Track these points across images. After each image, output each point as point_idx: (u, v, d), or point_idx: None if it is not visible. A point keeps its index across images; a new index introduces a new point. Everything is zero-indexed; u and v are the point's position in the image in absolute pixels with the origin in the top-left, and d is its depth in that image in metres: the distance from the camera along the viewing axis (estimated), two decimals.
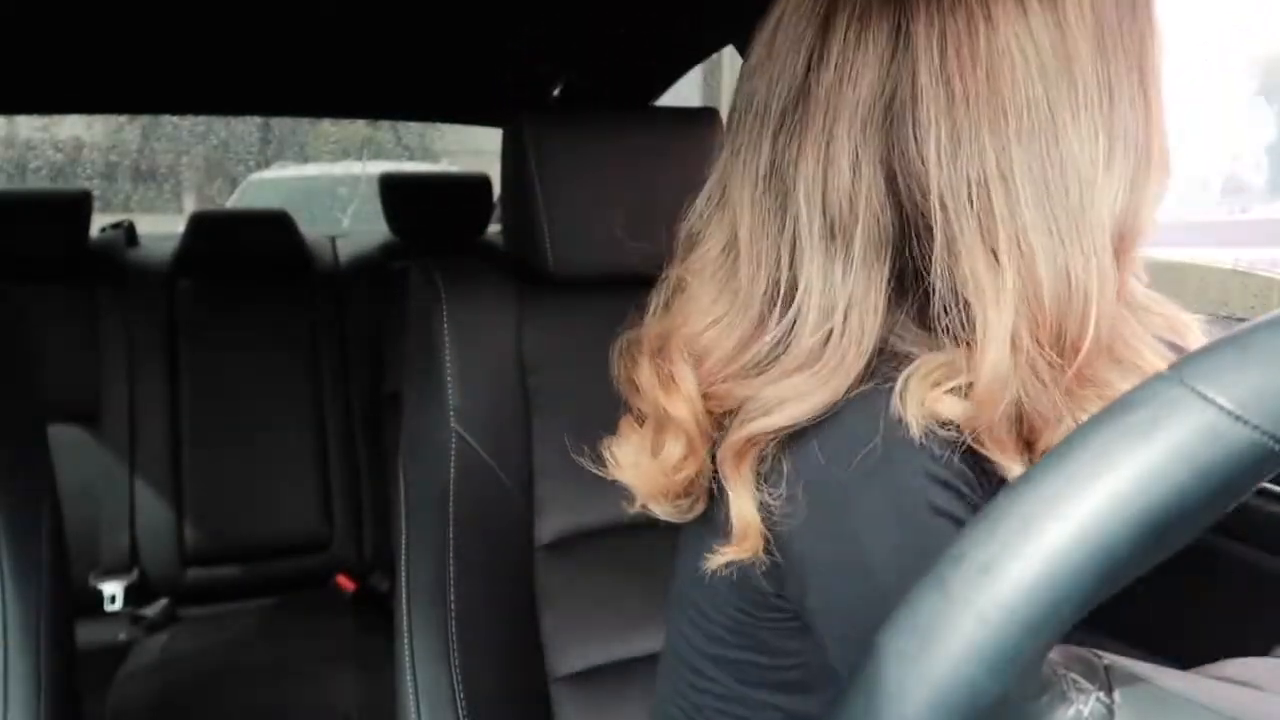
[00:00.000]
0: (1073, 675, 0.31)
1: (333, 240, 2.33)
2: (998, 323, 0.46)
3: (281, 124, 4.76)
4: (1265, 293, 1.25)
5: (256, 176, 4.47)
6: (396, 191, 2.27)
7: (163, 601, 1.90)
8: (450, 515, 0.89)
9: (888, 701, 0.29)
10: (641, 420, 0.60)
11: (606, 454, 0.63)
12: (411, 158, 4.96)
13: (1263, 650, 0.51)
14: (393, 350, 2.01)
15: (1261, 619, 0.82)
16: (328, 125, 4.75)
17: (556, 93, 1.66)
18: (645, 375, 0.58)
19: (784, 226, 0.51)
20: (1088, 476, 0.28)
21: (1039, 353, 0.46)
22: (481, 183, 2.26)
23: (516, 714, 0.90)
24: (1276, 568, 0.81)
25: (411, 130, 4.69)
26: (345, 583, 2.01)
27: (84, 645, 1.09)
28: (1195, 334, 0.51)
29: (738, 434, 0.51)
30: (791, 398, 0.49)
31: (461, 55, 1.60)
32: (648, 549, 0.99)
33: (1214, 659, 0.42)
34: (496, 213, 2.29)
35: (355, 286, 2.18)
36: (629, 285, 0.98)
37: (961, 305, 0.48)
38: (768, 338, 0.52)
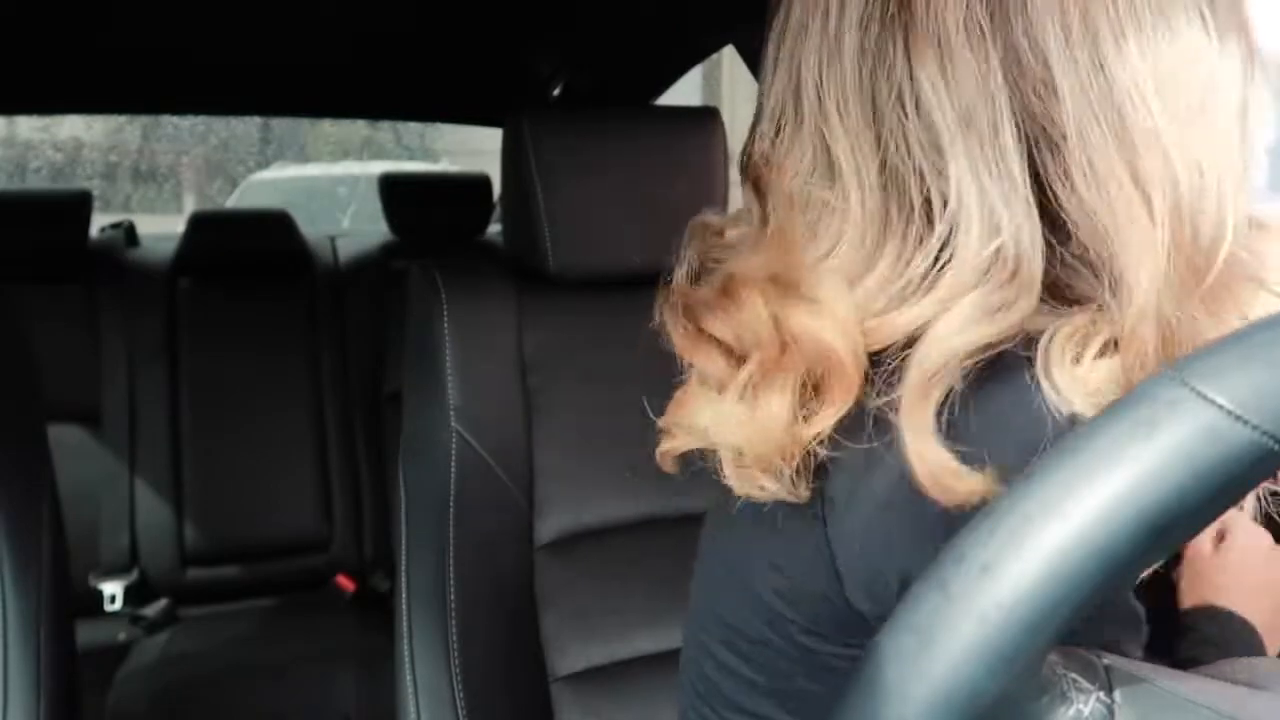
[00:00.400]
0: (1073, 675, 0.31)
1: (333, 240, 2.33)
2: (1151, 235, 0.42)
3: (281, 124, 4.76)
4: None
5: (256, 177, 4.47)
6: (396, 191, 2.27)
7: (163, 601, 1.90)
8: (450, 515, 0.89)
9: (887, 701, 0.29)
10: (716, 380, 0.50)
11: (672, 426, 0.53)
12: (411, 158, 4.96)
13: None
14: (393, 350, 2.01)
15: None
16: (328, 125, 4.76)
17: (556, 93, 1.66)
18: (757, 311, 0.47)
19: (906, 127, 0.44)
20: (1088, 476, 0.28)
21: (1180, 258, 0.42)
22: (481, 183, 2.26)
23: (516, 714, 0.90)
24: None
25: (411, 130, 4.70)
26: (345, 583, 2.01)
27: (84, 645, 1.09)
28: None
29: (921, 366, 0.42)
30: (980, 316, 0.42)
31: (461, 55, 1.60)
32: (648, 549, 0.99)
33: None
34: (496, 213, 2.29)
35: (355, 286, 2.18)
36: (629, 285, 0.99)
37: (1099, 236, 0.43)
38: (918, 260, 0.44)
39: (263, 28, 1.42)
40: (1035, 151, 0.44)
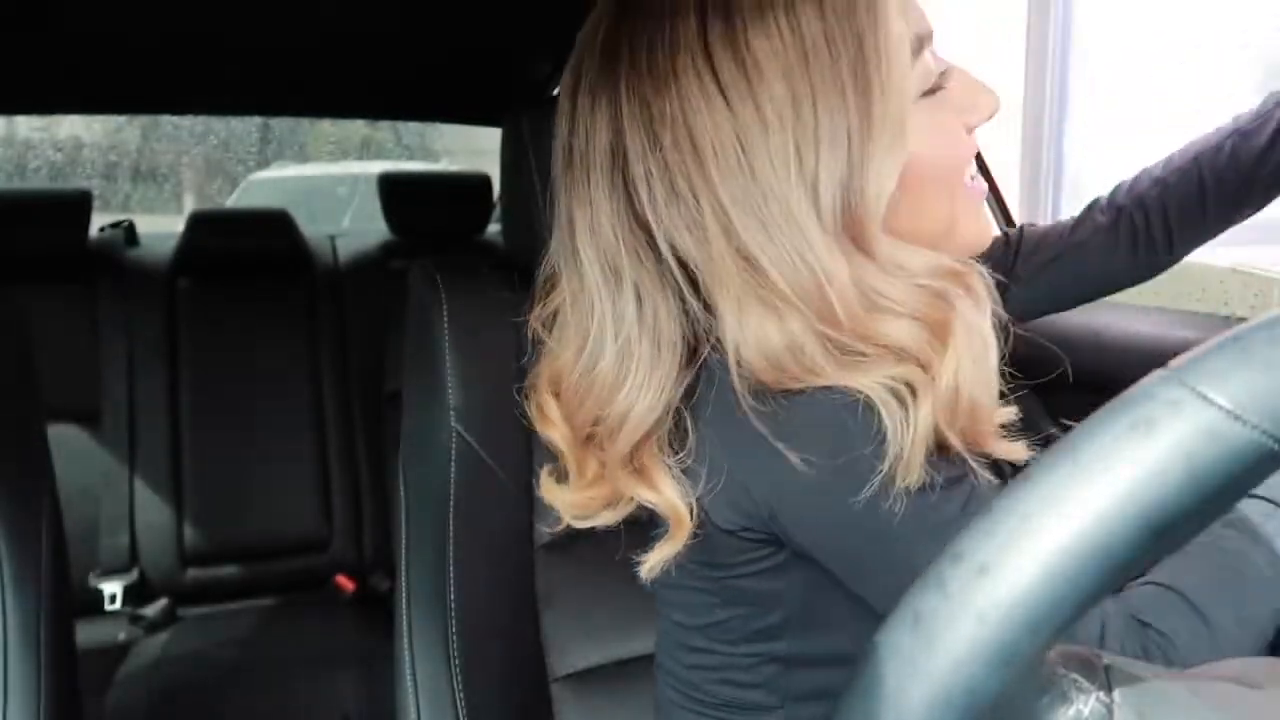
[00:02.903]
0: (1073, 675, 0.31)
1: (333, 240, 2.33)
2: (736, 321, 0.55)
3: (281, 124, 4.75)
4: (1265, 292, 1.25)
5: (256, 176, 4.46)
6: (396, 191, 2.27)
7: (162, 601, 1.90)
8: (450, 515, 0.89)
9: (886, 701, 0.29)
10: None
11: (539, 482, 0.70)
12: (411, 158, 4.95)
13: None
14: (393, 350, 2.01)
15: None
16: (328, 125, 4.75)
17: (556, 92, 1.66)
18: (533, 409, 0.66)
19: (577, 269, 0.60)
20: (1087, 476, 0.28)
21: (811, 321, 0.53)
22: (481, 182, 2.26)
23: (516, 714, 0.90)
24: None
25: (411, 130, 4.68)
26: (345, 583, 2.01)
27: (84, 645, 1.09)
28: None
29: (613, 450, 0.59)
30: (631, 409, 0.58)
31: (461, 55, 1.60)
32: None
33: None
34: (496, 213, 2.29)
35: (355, 286, 2.18)
36: None
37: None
38: (580, 366, 0.60)
39: (262, 27, 1.42)
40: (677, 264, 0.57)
